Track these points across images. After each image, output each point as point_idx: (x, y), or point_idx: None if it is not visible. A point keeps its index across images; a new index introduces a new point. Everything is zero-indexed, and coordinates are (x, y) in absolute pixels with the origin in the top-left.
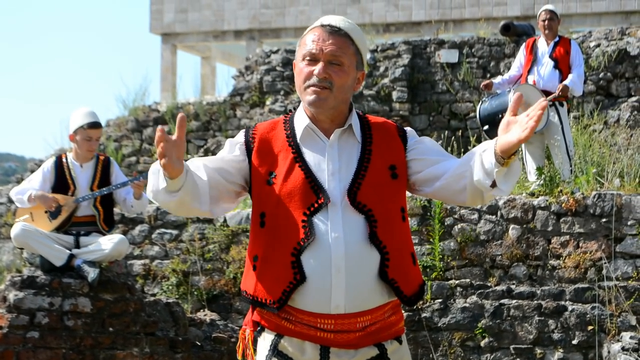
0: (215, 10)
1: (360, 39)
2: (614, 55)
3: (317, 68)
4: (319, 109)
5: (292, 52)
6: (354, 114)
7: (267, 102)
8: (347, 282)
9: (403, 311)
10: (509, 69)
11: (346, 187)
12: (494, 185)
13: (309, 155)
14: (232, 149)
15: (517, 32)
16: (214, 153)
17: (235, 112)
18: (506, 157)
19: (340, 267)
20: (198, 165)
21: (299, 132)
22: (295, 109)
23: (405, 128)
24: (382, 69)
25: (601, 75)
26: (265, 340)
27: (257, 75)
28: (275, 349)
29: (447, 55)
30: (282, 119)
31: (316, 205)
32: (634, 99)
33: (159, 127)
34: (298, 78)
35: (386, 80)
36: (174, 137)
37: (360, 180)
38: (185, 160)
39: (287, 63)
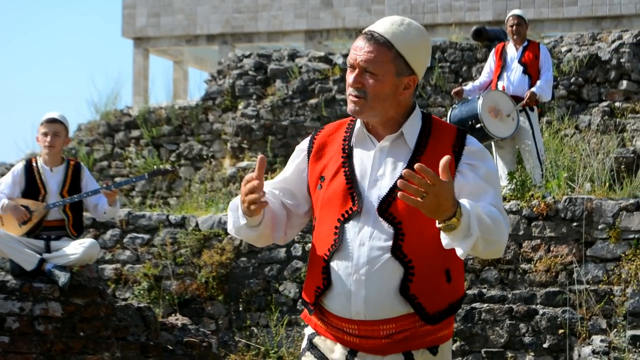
0: (187, 15)
1: (408, 43)
2: (585, 60)
3: (351, 77)
4: (358, 116)
5: (265, 56)
6: (413, 119)
7: (240, 107)
8: (366, 291)
9: None
10: (480, 73)
11: (381, 197)
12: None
13: (358, 160)
14: (297, 157)
15: (489, 37)
16: (186, 158)
17: (207, 117)
18: (439, 221)
19: (360, 276)
20: (271, 192)
21: (355, 136)
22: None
23: (468, 140)
24: None
25: (572, 80)
26: (306, 332)
27: (229, 80)
28: (311, 342)
29: None
30: (349, 120)
31: (350, 212)
32: (604, 104)
33: (252, 176)
34: (346, 85)
35: None
36: (254, 177)
37: (398, 191)
38: None
39: (260, 67)
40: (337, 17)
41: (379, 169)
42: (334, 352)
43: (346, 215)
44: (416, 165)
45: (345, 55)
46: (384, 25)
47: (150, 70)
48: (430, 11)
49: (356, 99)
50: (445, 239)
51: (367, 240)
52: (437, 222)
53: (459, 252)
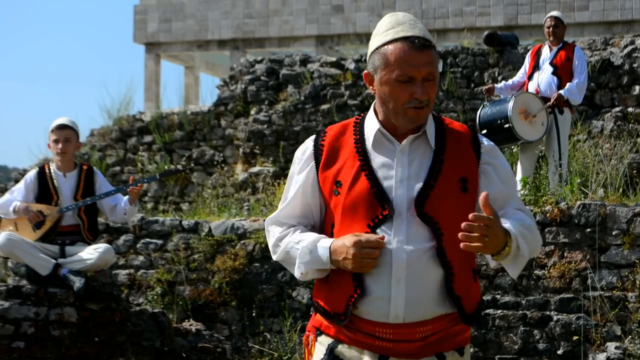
0: (199, 20)
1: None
2: (598, 65)
3: (419, 91)
4: (417, 125)
5: (277, 61)
6: (430, 117)
7: (252, 112)
8: (407, 293)
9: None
10: (493, 79)
11: (414, 197)
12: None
13: (378, 161)
14: (305, 167)
15: (500, 42)
16: (197, 162)
17: (219, 122)
18: (494, 254)
19: (400, 278)
20: (301, 218)
21: (369, 138)
22: (366, 113)
23: (480, 138)
24: None
25: None
26: (322, 343)
27: (241, 85)
28: (331, 353)
29: None
30: (353, 122)
31: (380, 217)
32: (617, 109)
33: (381, 241)
34: (391, 98)
35: (370, 90)
36: (383, 241)
37: (429, 190)
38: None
39: (272, 73)
40: (348, 22)
41: (403, 169)
42: None
43: (377, 220)
44: (471, 216)
45: (357, 61)
46: (419, 28)
47: (161, 76)
48: (441, 16)
49: (421, 109)
50: (493, 262)
51: (404, 243)
52: (491, 255)
53: (514, 273)
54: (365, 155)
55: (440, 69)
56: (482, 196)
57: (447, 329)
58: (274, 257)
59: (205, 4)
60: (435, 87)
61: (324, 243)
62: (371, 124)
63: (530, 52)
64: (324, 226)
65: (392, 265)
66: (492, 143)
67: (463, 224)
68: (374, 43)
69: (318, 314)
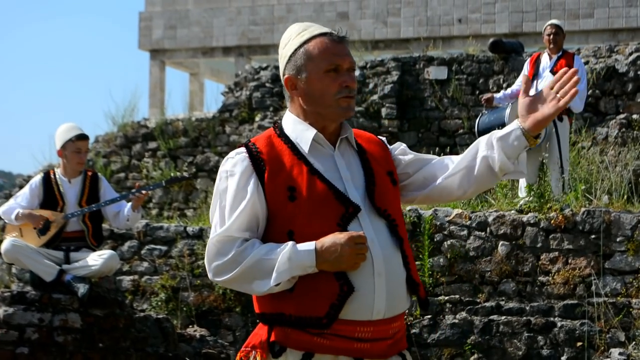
0: (203, 27)
1: None
2: (603, 72)
3: (347, 79)
4: (347, 117)
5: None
6: (346, 122)
7: (257, 119)
8: (387, 285)
9: None
10: (498, 86)
11: (364, 194)
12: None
13: (320, 166)
14: (247, 180)
15: (505, 49)
16: (201, 169)
17: (224, 129)
18: (535, 134)
19: (381, 271)
20: (250, 231)
21: (305, 144)
22: (279, 121)
23: (379, 137)
24: (371, 85)
25: (590, 92)
26: (290, 356)
27: (246, 92)
28: None
29: (436, 72)
30: (273, 133)
31: (347, 215)
32: (622, 116)
33: (363, 235)
34: (324, 91)
35: (375, 97)
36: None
37: (373, 187)
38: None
39: (276, 79)
40: (353, 29)
41: (345, 171)
42: None
43: (345, 219)
44: (563, 70)
45: (362, 68)
46: (338, 29)
47: (166, 82)
48: (446, 23)
49: (352, 99)
50: (512, 160)
51: (374, 236)
52: (533, 136)
53: (524, 168)
54: (307, 160)
55: (444, 75)
56: (524, 78)
57: (404, 326)
58: (224, 277)
59: (210, 11)
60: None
61: (306, 247)
62: (301, 131)
63: (529, 60)
64: (271, 237)
65: (373, 259)
66: (382, 137)
67: (569, 73)
68: (289, 48)
69: (279, 328)
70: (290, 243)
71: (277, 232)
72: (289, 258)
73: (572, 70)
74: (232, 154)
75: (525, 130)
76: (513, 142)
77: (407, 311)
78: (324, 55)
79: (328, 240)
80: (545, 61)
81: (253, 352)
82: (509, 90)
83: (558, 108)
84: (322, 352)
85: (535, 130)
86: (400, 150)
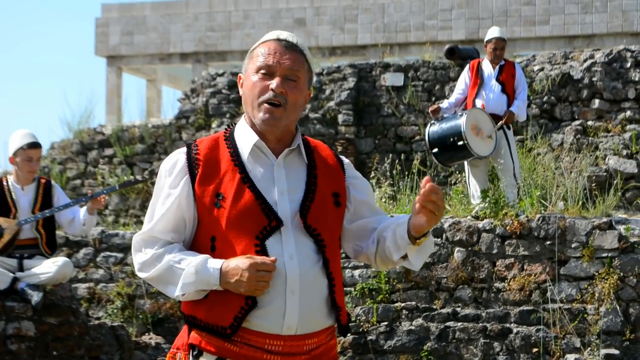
0: (161, 33)
1: (310, 58)
2: (558, 79)
3: (274, 82)
4: (272, 128)
5: (238, 75)
6: (299, 134)
7: (213, 125)
8: (300, 304)
9: (349, 334)
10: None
11: (297, 209)
12: (405, 257)
13: (256, 175)
14: (179, 179)
15: (461, 55)
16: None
17: (181, 135)
18: (418, 236)
19: (294, 290)
20: (175, 234)
21: (245, 150)
22: (234, 124)
23: (339, 156)
24: (327, 92)
25: (545, 98)
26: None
27: (202, 98)
28: None
29: (392, 79)
30: (222, 136)
31: (268, 228)
32: (577, 122)
33: (273, 265)
34: (250, 92)
35: (332, 104)
36: (274, 264)
37: (310, 203)
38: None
39: (233, 86)
40: (310, 35)
41: (282, 183)
42: None
43: (265, 232)
44: (428, 185)
45: (319, 74)
46: (291, 36)
47: (123, 89)
48: (403, 30)
49: (274, 108)
50: (398, 254)
51: (295, 254)
52: (415, 240)
53: (419, 264)
54: (243, 168)
55: (401, 82)
56: (424, 180)
57: (326, 342)
58: (145, 275)
59: (167, 17)
60: (297, 93)
61: (213, 264)
62: (246, 137)
63: (468, 67)
64: (196, 240)
65: (287, 276)
66: (347, 160)
67: (427, 187)
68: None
69: (195, 330)
70: (202, 256)
71: (203, 236)
72: (196, 272)
73: (428, 183)
74: (174, 152)
75: (410, 231)
76: (402, 237)
77: (335, 326)
78: (260, 54)
79: (233, 262)
80: (489, 69)
81: (178, 353)
82: (452, 99)
83: (431, 225)
84: (233, 358)
85: (416, 233)
86: (355, 179)
